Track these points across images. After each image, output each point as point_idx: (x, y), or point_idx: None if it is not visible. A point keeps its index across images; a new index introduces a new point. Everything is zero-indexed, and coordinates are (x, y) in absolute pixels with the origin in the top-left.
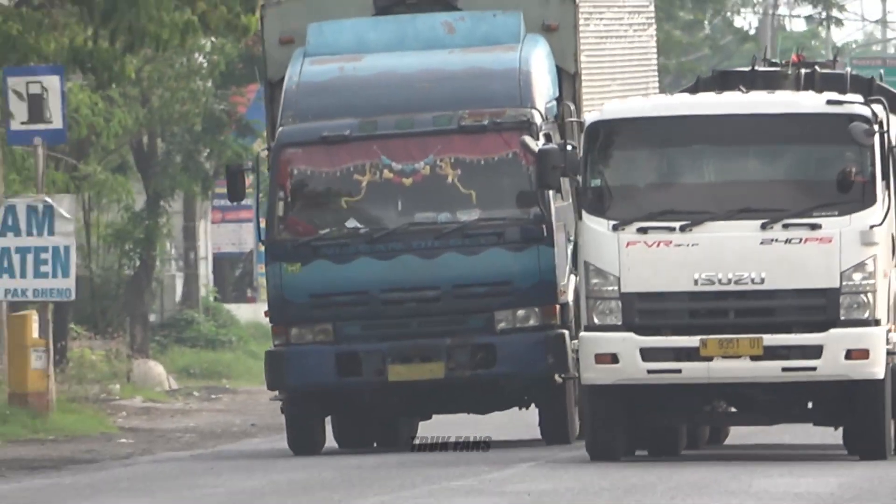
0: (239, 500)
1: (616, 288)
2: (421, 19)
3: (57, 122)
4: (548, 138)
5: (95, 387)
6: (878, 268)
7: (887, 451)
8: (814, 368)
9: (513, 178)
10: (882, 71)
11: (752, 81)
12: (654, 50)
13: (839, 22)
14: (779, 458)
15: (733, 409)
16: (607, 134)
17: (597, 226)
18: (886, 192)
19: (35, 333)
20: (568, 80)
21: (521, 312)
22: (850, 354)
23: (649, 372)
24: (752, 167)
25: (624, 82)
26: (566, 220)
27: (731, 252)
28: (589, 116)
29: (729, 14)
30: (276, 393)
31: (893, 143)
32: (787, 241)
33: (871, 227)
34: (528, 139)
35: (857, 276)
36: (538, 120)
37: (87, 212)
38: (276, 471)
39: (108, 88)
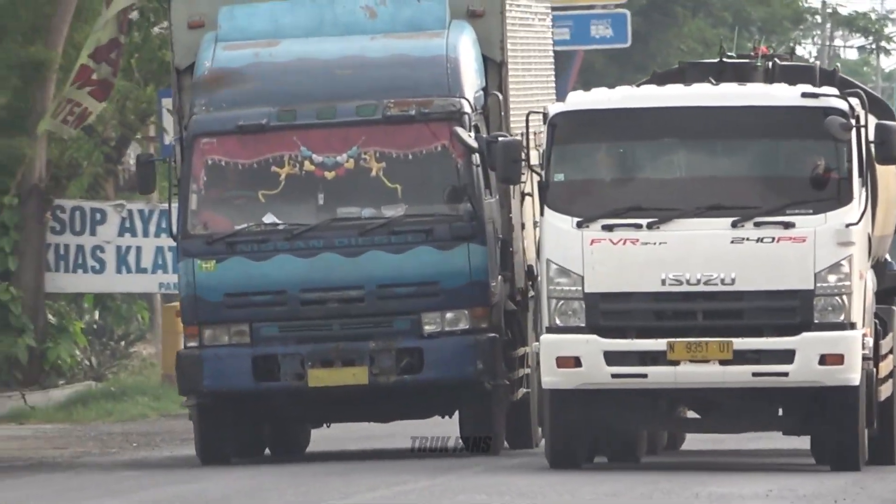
0: None
1: (580, 288)
2: (340, 3)
3: None
4: (476, 129)
5: None
6: (853, 269)
7: (860, 461)
8: (786, 374)
9: (442, 171)
10: None
11: (721, 73)
12: (551, 40)
13: (888, 52)
14: (747, 467)
15: (696, 416)
16: (571, 126)
17: (560, 223)
18: (863, 190)
19: None
20: (494, 68)
21: (449, 315)
22: (823, 360)
23: (613, 376)
24: (723, 162)
25: (534, 73)
26: (494, 218)
27: (700, 251)
28: (552, 108)
29: (791, 44)
30: (185, 398)
31: (869, 139)
32: (759, 239)
33: (847, 225)
34: (460, 130)
35: (831, 278)
36: (468, 109)
37: None
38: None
39: None
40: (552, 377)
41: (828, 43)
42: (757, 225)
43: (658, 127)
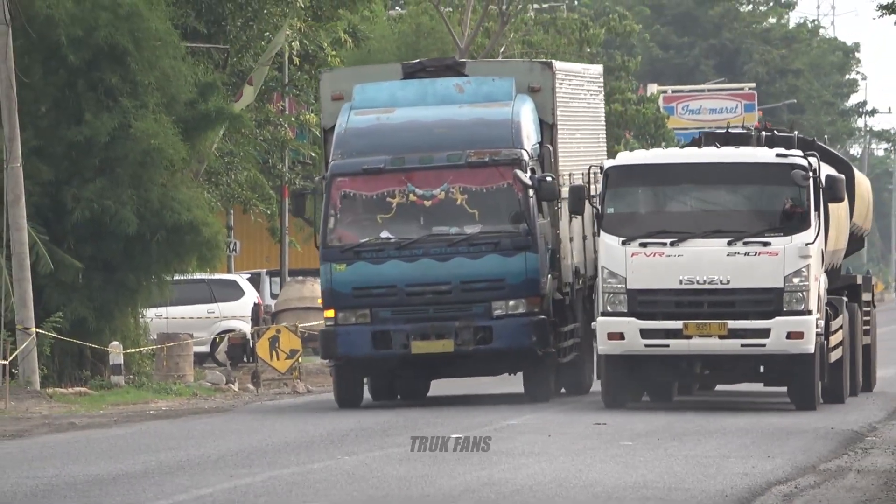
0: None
1: (623, 285)
2: (438, 82)
3: None
4: (533, 171)
5: None
6: (811, 273)
7: (816, 403)
8: (764, 345)
9: (506, 201)
10: None
11: (726, 140)
12: (602, 110)
13: None
14: (739, 405)
15: (707, 372)
16: (619, 175)
17: (610, 241)
18: (817, 220)
19: None
20: (547, 129)
21: (512, 302)
22: (790, 335)
23: (646, 346)
24: (722, 200)
25: (584, 132)
26: (546, 234)
27: (705, 261)
28: (606, 163)
29: (792, 128)
30: (328, 360)
31: (822, 185)
32: (746, 253)
33: (807, 244)
34: (519, 172)
35: (796, 280)
36: (526, 158)
37: None
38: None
39: None
40: (605, 346)
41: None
42: (745, 243)
43: (678, 176)
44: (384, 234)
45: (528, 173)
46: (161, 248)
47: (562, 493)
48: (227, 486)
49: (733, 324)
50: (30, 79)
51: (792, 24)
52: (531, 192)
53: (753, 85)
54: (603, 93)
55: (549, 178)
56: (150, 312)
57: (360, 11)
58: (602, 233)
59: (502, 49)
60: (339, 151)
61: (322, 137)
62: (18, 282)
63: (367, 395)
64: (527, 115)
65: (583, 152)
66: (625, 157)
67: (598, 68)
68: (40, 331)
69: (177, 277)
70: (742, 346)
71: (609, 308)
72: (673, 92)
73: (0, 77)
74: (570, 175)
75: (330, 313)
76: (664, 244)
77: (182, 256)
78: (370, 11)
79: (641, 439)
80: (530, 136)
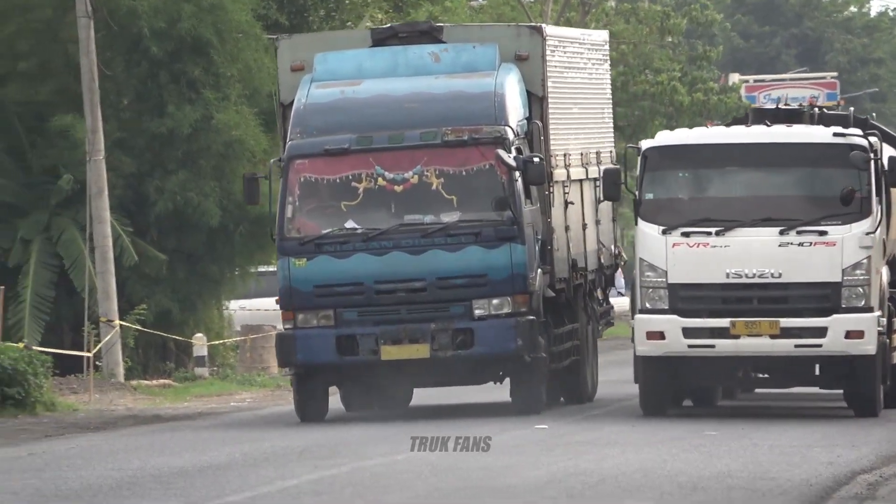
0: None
1: (664, 279)
2: (411, 50)
3: None
4: (519, 151)
5: None
6: (871, 266)
7: (878, 409)
8: (820, 345)
9: (488, 185)
10: None
11: (776, 117)
12: (608, 82)
13: None
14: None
15: (760, 376)
16: (659, 157)
17: (649, 230)
18: (879, 206)
19: None
20: (536, 102)
21: (495, 301)
22: (849, 334)
23: (689, 346)
24: (773, 185)
25: (584, 106)
26: (534, 222)
27: (755, 252)
28: (644, 143)
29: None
30: (287, 369)
31: (884, 167)
32: (800, 244)
33: (867, 233)
34: (502, 152)
35: (855, 273)
36: (510, 135)
37: None
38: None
39: None
40: (643, 346)
41: None
42: (799, 233)
43: (723, 158)
44: (349, 224)
45: (514, 153)
46: (244, 240)
47: (647, 483)
48: (313, 477)
49: (786, 322)
50: (112, 71)
51: (873, 13)
52: (517, 174)
53: (835, 74)
54: (608, 62)
55: (536, 159)
56: (234, 304)
57: (441, 2)
58: (640, 221)
59: None
60: (297, 130)
61: (280, 114)
62: (102, 274)
63: (338, 404)
64: (512, 87)
65: (582, 130)
66: (665, 137)
67: (602, 34)
68: (124, 323)
69: (260, 269)
70: (796, 346)
71: (648, 305)
72: (755, 81)
73: (83, 69)
74: (565, 155)
75: (288, 315)
76: (709, 233)
77: (265, 248)
78: (451, 2)
79: (725, 429)
80: (516, 110)
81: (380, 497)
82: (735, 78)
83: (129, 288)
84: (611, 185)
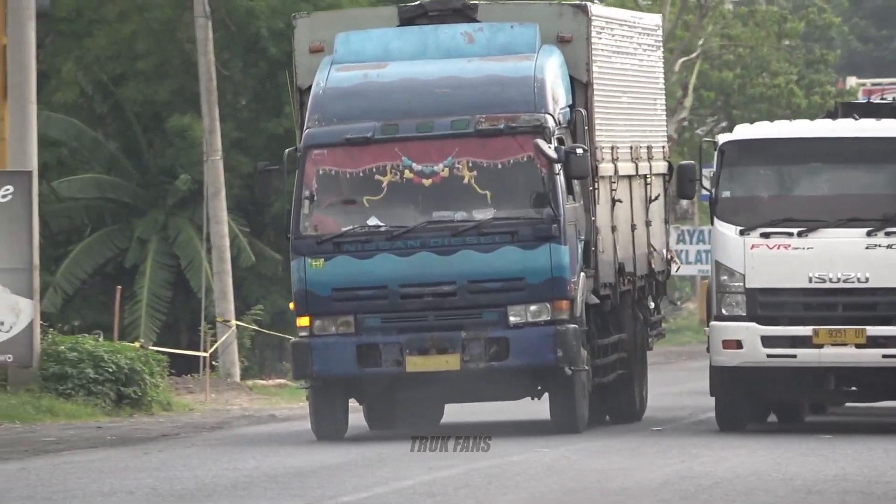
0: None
1: (741, 284)
2: (442, 30)
3: None
4: (560, 142)
5: None
6: None
7: None
8: None
9: (526, 179)
10: None
11: (866, 112)
12: (661, 69)
13: None
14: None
15: (849, 389)
16: (737, 152)
17: (726, 230)
18: None
19: None
20: (580, 88)
21: (533, 308)
22: None
23: (768, 356)
24: (860, 182)
25: (634, 95)
26: (577, 220)
27: (840, 255)
28: (721, 137)
29: None
30: (303, 381)
31: None
32: (889, 246)
33: None
34: (541, 142)
35: None
36: (551, 124)
37: None
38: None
39: None
40: (719, 356)
41: None
42: (888, 234)
43: (808, 153)
44: (372, 222)
45: (555, 144)
46: None
47: (761, 486)
48: (427, 478)
49: (873, 330)
50: (229, 71)
51: None
52: (558, 167)
53: None
54: (661, 49)
55: (580, 150)
56: None
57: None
58: (716, 221)
59: (700, 42)
60: (315, 117)
61: (297, 99)
62: (219, 274)
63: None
64: (553, 71)
65: (632, 121)
66: (744, 131)
67: (654, 17)
68: (240, 323)
69: None
70: (884, 356)
71: (724, 311)
72: (872, 85)
73: (200, 70)
74: (612, 148)
75: (304, 321)
76: (790, 234)
77: None
78: None
79: (840, 433)
80: (557, 97)
81: (494, 498)
82: (852, 81)
83: (246, 288)
84: (685, 183)
